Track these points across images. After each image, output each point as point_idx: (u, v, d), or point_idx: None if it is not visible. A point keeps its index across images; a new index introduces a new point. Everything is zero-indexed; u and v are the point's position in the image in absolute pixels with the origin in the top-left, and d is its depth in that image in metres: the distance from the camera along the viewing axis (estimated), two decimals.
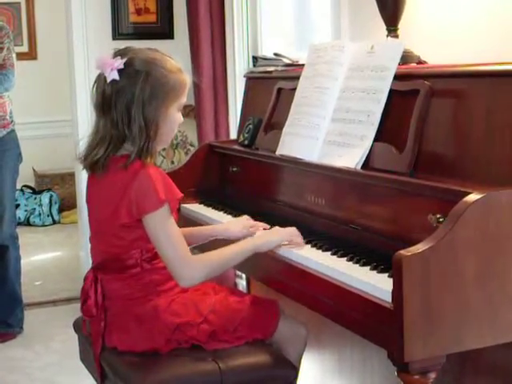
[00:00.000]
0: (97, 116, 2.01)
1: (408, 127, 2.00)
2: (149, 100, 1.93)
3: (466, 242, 1.60)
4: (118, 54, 1.97)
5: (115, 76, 1.93)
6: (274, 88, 2.70)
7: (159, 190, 1.89)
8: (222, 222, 2.48)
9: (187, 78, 2.03)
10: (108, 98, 1.95)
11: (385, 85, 2.11)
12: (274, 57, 3.08)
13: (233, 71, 3.98)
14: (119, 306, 2.02)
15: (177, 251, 1.93)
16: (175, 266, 1.92)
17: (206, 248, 2.30)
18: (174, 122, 2.02)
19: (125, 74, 1.94)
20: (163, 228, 1.92)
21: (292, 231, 2.11)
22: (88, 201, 2.10)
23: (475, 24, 2.37)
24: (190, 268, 1.93)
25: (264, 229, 2.25)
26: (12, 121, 3.80)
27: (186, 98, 2.04)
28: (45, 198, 6.57)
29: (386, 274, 1.77)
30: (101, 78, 1.97)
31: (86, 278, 2.06)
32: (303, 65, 2.55)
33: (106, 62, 1.94)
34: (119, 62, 1.93)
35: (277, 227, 2.15)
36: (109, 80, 1.94)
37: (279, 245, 2.08)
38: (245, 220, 2.28)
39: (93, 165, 2.00)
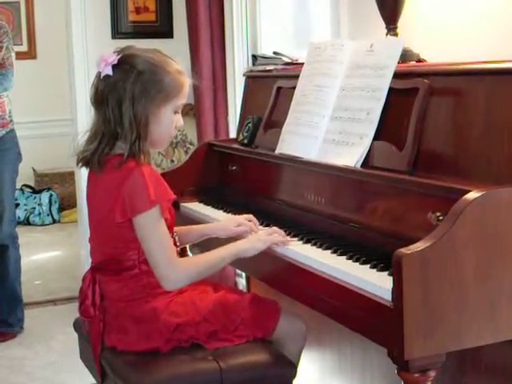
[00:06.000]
0: (94, 112, 2.01)
1: (407, 125, 2.00)
2: (139, 96, 1.93)
3: (465, 240, 1.60)
4: (117, 51, 1.98)
5: (109, 71, 1.94)
6: (274, 87, 2.70)
7: (150, 190, 1.88)
8: (220, 220, 2.48)
9: (186, 81, 2.02)
10: (101, 93, 1.96)
11: (384, 83, 2.11)
12: (273, 55, 3.08)
13: (232, 70, 3.98)
14: (118, 307, 2.01)
15: (164, 253, 1.92)
16: (160, 267, 1.92)
17: (203, 247, 2.31)
18: (167, 123, 2.00)
19: (118, 70, 1.94)
20: (152, 229, 1.91)
21: (275, 236, 2.09)
22: (87, 200, 2.10)
23: (474, 22, 2.37)
24: (174, 271, 1.93)
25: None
26: (11, 120, 3.80)
27: (183, 100, 2.02)
28: (44, 197, 6.57)
29: (386, 273, 1.77)
30: (97, 75, 1.98)
31: (84, 279, 2.06)
32: (303, 63, 2.54)
33: (102, 58, 1.94)
34: (113, 58, 1.94)
35: (261, 232, 2.14)
36: (102, 75, 1.95)
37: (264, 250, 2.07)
38: (239, 218, 2.26)
39: (85, 161, 2.00)
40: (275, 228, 2.14)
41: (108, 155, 1.96)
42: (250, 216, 2.25)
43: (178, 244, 2.10)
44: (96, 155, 1.96)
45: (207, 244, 2.28)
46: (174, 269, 1.93)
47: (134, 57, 1.97)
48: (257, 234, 2.14)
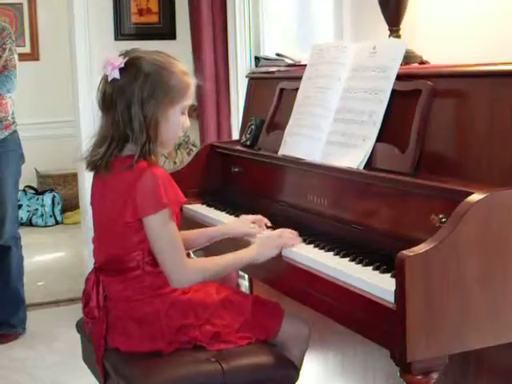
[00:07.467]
0: (101, 116, 2.02)
1: (410, 127, 2.00)
2: (148, 99, 1.93)
3: (468, 242, 1.60)
4: (123, 54, 1.99)
5: (116, 75, 1.94)
6: (277, 88, 2.70)
7: (162, 192, 1.89)
8: (224, 222, 2.48)
9: (191, 81, 2.02)
10: (109, 97, 1.96)
11: (387, 85, 2.11)
12: (276, 57, 3.08)
13: (235, 71, 3.98)
14: (121, 308, 2.01)
15: (173, 254, 1.94)
16: (170, 267, 1.94)
17: (210, 250, 2.31)
18: (176, 124, 2.01)
19: (126, 73, 1.94)
20: (163, 230, 1.92)
21: (288, 240, 2.09)
22: (92, 201, 2.10)
23: (477, 24, 2.37)
24: (183, 272, 1.95)
25: (266, 225, 2.26)
26: (14, 122, 3.81)
27: (190, 101, 2.03)
28: (47, 198, 6.57)
29: (389, 274, 1.77)
30: (104, 78, 1.98)
31: (87, 280, 2.07)
32: (305, 65, 2.54)
33: (108, 62, 1.94)
34: (120, 61, 1.94)
35: (274, 236, 2.11)
36: (110, 79, 1.95)
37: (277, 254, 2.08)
38: (250, 217, 2.27)
39: (95, 164, 2.00)
40: (283, 230, 2.14)
41: (117, 157, 1.97)
42: (260, 216, 2.27)
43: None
44: (105, 158, 1.97)
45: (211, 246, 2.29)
46: (183, 270, 1.95)
47: (140, 59, 1.97)
48: (267, 240, 2.11)
